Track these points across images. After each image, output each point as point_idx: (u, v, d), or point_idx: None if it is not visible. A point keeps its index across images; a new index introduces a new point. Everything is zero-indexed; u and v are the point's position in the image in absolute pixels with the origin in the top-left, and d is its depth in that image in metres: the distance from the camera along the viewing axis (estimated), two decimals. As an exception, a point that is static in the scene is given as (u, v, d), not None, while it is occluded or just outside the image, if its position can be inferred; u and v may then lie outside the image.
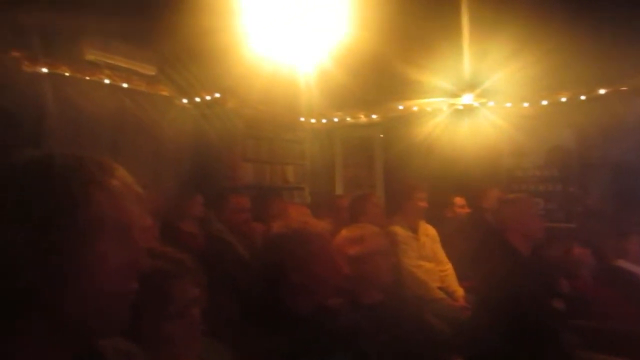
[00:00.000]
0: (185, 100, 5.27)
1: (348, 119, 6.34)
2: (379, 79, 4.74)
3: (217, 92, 5.34)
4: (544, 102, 5.07)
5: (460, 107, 5.47)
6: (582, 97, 4.91)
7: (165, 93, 5.03)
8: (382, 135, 6.68)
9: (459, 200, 4.65)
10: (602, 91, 4.79)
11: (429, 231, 4.26)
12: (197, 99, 5.29)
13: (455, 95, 5.34)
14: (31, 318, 0.79)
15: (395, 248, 3.77)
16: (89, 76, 4.30)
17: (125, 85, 4.59)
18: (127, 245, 0.86)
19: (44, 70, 3.95)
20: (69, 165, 0.84)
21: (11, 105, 3.41)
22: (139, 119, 4.71)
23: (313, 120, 6.45)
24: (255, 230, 3.46)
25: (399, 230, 4.09)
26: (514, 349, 2.70)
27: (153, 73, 4.80)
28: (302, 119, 6.41)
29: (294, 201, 6.36)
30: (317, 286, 1.88)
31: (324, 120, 6.44)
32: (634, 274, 3.70)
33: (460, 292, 4.05)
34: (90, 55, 4.22)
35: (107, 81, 4.44)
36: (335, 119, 6.37)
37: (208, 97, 5.33)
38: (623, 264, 3.78)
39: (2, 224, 0.77)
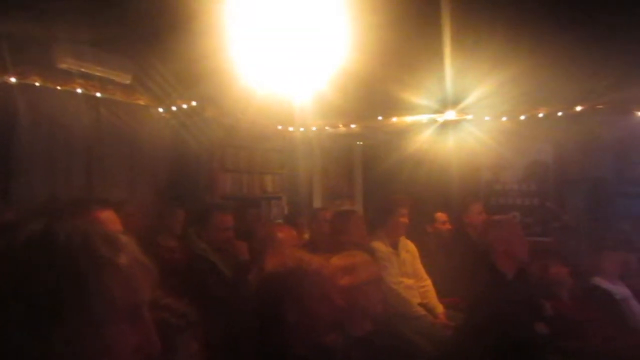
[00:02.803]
0: (161, 109, 5.13)
1: (327, 128, 6.30)
2: (363, 98, 4.74)
3: (194, 100, 5.22)
4: (523, 117, 5.13)
5: (440, 120, 5.50)
6: (560, 114, 4.98)
7: (141, 102, 4.89)
8: (360, 142, 6.66)
9: (441, 216, 4.66)
10: (579, 108, 4.87)
11: (409, 247, 4.24)
12: (174, 108, 5.16)
13: (438, 111, 5.36)
14: None
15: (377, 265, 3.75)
16: (61, 85, 4.13)
17: (99, 94, 4.44)
18: (139, 327, 0.81)
19: (13, 80, 3.78)
20: (74, 242, 0.77)
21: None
22: (114, 129, 4.57)
23: (291, 129, 6.38)
24: (239, 249, 3.37)
25: (380, 247, 4.07)
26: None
27: (128, 81, 4.65)
28: (280, 127, 6.33)
29: (271, 211, 6.30)
30: (314, 325, 1.83)
31: (302, 129, 6.38)
32: (609, 293, 3.78)
33: (440, 308, 4.05)
34: (63, 64, 4.05)
35: (79, 90, 4.27)
36: (314, 128, 6.32)
37: (185, 106, 5.21)
38: (599, 281, 3.84)
39: (3, 311, 0.69)
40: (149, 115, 5.02)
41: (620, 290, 3.83)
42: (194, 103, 5.22)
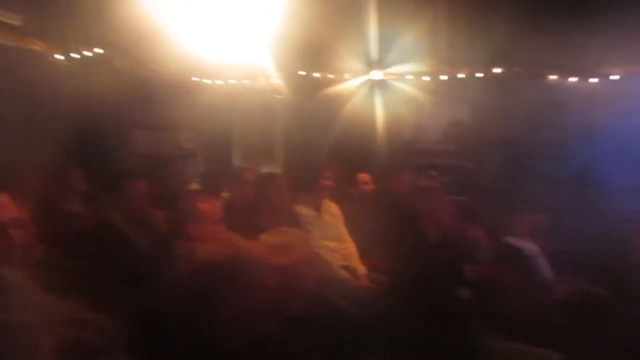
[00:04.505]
0: (60, 57, 4.56)
1: (246, 81, 5.98)
2: (285, 52, 4.53)
3: (99, 47, 4.70)
4: (443, 78, 5.17)
5: (364, 79, 5.42)
6: (479, 75, 5.07)
7: (35, 47, 4.30)
8: (280, 96, 6.44)
9: (363, 177, 4.61)
10: (497, 70, 4.97)
11: (332, 209, 4.21)
12: (76, 56, 4.61)
13: (362, 70, 5.27)
14: None
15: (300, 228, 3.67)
16: None
17: (-17, 37, 3.85)
18: None
19: None
20: None
21: None
22: (5, 78, 3.99)
23: (208, 81, 6.00)
24: (153, 219, 3.12)
25: (304, 210, 4.01)
26: (422, 336, 2.78)
27: (18, 23, 4.06)
28: (196, 79, 5.92)
29: (187, 169, 5.97)
30: (250, 318, 1.71)
31: (219, 82, 6.01)
32: (519, 249, 3.98)
33: (362, 270, 4.07)
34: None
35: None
36: (233, 81, 5.97)
37: (89, 54, 4.67)
38: (510, 240, 4.04)
39: None
40: (46, 63, 4.44)
41: (529, 247, 4.06)
42: (99, 50, 4.70)
